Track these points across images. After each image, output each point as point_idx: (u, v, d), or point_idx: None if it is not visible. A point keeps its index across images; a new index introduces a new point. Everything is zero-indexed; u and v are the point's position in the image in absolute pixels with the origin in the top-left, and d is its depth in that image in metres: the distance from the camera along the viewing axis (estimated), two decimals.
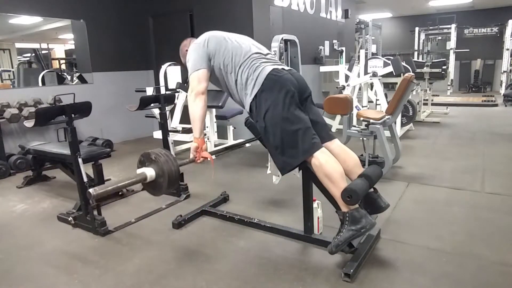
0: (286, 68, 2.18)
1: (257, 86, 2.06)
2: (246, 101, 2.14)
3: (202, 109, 2.12)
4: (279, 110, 2.00)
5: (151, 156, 1.87)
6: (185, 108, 4.48)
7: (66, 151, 2.91)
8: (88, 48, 5.59)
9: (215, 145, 4.94)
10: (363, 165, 2.34)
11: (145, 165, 1.89)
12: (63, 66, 6.15)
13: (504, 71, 10.29)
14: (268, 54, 2.25)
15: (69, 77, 5.85)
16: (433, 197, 3.14)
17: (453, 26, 10.52)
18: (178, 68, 4.86)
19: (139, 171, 1.87)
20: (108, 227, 2.68)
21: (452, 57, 10.29)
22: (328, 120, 5.42)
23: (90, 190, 1.66)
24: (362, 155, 3.66)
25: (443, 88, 9.67)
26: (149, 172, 1.84)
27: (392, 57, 5.12)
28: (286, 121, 2.00)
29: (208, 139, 4.77)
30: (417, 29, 11.94)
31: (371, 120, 3.42)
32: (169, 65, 4.84)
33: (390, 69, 4.96)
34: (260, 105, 2.05)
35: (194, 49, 2.22)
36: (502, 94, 9.38)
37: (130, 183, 1.80)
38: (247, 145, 5.37)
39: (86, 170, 2.79)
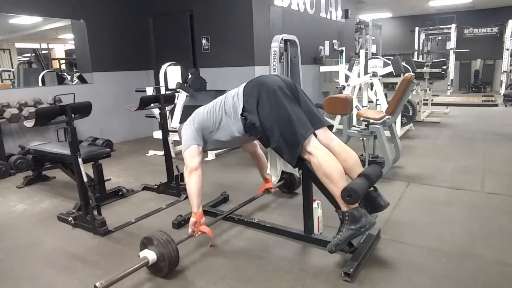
0: (260, 75, 2.35)
1: (240, 100, 2.20)
2: (240, 119, 2.22)
3: (197, 184, 2.28)
4: (267, 105, 2.09)
5: (153, 241, 2.04)
6: (185, 108, 4.48)
7: (66, 151, 2.91)
8: (88, 48, 5.60)
9: None
10: (363, 165, 2.34)
11: (147, 247, 2.07)
12: (63, 66, 6.15)
13: (504, 71, 10.28)
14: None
15: (69, 77, 5.85)
16: (433, 197, 3.14)
17: (453, 26, 10.51)
18: (178, 68, 4.87)
19: (142, 254, 2.05)
20: (108, 227, 2.68)
21: (452, 57, 10.29)
22: (328, 120, 5.41)
23: (97, 284, 1.75)
24: (362, 155, 3.66)
25: (443, 88, 9.66)
26: (151, 256, 2.02)
27: (392, 57, 5.12)
28: (277, 114, 2.07)
29: None
30: (417, 29, 11.93)
31: (371, 120, 3.42)
32: (169, 65, 4.84)
33: (390, 69, 4.96)
34: (250, 109, 2.15)
35: (184, 130, 2.43)
36: (502, 94, 9.38)
37: (134, 269, 1.94)
38: None
39: (86, 170, 2.79)
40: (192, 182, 2.27)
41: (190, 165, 2.29)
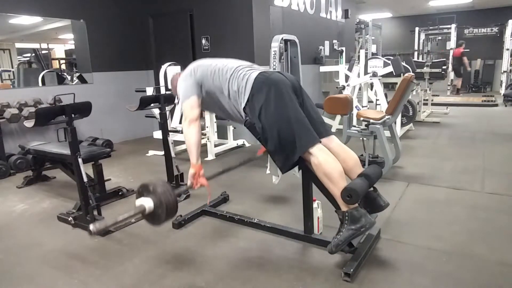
0: (274, 71, 2.28)
1: (247, 91, 2.11)
2: (241, 110, 2.17)
3: (196, 135, 2.19)
4: (272, 108, 2.03)
5: (149, 187, 1.89)
6: None
7: (66, 151, 2.91)
8: (88, 48, 5.59)
9: (215, 145, 4.94)
10: (363, 165, 2.35)
11: (143, 195, 1.91)
12: (63, 66, 6.15)
13: (504, 71, 10.29)
14: (253, 65, 2.34)
15: (69, 77, 5.85)
16: (433, 197, 3.14)
17: (453, 26, 10.52)
18: (178, 68, 4.86)
19: (138, 202, 1.89)
20: None
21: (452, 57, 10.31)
22: (328, 120, 5.42)
23: (90, 226, 1.70)
24: (362, 155, 3.66)
25: (443, 88, 9.67)
26: (148, 203, 1.85)
27: (392, 57, 5.12)
28: (280, 118, 2.02)
29: (208, 139, 4.77)
30: (417, 29, 11.94)
31: (371, 120, 3.42)
32: (169, 65, 4.84)
33: (390, 69, 4.96)
34: (253, 108, 2.09)
35: (183, 80, 2.32)
36: (502, 94, 9.38)
37: (130, 216, 1.84)
38: (247, 144, 5.37)
39: (86, 170, 2.79)
40: (192, 133, 2.19)
41: (189, 116, 2.20)
